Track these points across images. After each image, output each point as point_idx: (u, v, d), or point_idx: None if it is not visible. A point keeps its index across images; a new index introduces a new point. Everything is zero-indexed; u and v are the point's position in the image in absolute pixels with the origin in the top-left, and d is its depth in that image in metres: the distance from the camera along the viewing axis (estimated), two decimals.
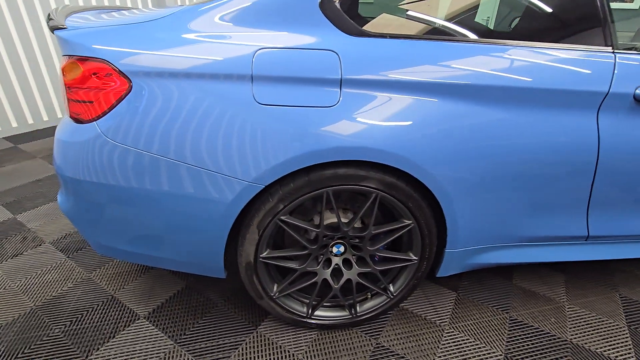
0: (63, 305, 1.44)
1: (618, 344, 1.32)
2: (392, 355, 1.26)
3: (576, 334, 1.36)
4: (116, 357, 1.23)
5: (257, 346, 1.28)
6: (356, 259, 1.26)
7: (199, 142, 0.99)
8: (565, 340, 1.33)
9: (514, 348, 1.30)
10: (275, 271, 1.26)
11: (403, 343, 1.31)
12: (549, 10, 1.09)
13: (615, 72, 1.06)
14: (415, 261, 1.24)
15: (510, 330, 1.37)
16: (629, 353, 1.28)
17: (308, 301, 1.30)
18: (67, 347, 1.27)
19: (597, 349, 1.30)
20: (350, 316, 1.31)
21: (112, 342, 1.29)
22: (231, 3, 1.02)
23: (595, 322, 1.41)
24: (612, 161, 1.14)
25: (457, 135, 1.04)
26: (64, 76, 1.03)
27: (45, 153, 2.83)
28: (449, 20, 1.08)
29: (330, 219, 1.17)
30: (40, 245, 1.79)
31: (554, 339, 1.34)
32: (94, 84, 0.99)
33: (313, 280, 1.23)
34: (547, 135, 1.08)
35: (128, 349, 1.26)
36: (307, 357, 1.25)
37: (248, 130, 0.97)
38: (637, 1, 3.29)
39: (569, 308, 1.48)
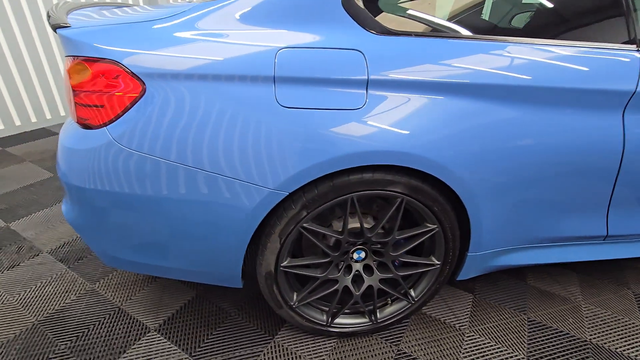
0: (67, 319, 1.37)
1: (636, 342, 1.32)
2: None
3: (595, 334, 1.35)
4: None
5: (276, 357, 1.24)
6: (377, 264, 1.22)
7: (219, 148, 0.93)
8: (586, 341, 1.33)
9: (535, 351, 1.28)
10: (294, 280, 1.22)
11: (425, 349, 1.28)
12: (573, 7, 1.07)
13: None
14: (438, 265, 1.21)
15: (530, 332, 1.36)
16: None
17: (327, 309, 1.26)
18: None
19: (617, 348, 1.30)
20: (371, 323, 1.28)
21: (124, 357, 1.22)
22: (245, 1, 0.96)
23: (611, 321, 1.41)
24: (637, 161, 1.13)
25: (485, 137, 1.01)
26: (70, 78, 0.96)
27: (35, 157, 2.71)
28: (474, 17, 1.05)
29: (351, 224, 1.13)
30: (37, 255, 1.70)
31: (574, 339, 1.33)
32: (104, 87, 0.93)
33: (334, 288, 1.19)
34: (574, 135, 1.06)
35: None
36: None
37: (271, 135, 0.92)
38: None
39: (585, 307, 1.48)
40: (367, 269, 1.23)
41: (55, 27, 0.99)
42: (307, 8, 0.96)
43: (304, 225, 1.04)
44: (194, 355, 1.24)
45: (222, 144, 0.93)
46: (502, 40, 1.00)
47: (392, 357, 1.25)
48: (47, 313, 1.39)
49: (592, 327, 1.39)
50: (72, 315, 1.38)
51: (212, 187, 0.96)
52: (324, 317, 1.26)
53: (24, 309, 1.41)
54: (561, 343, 1.32)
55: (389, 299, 1.31)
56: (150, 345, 1.27)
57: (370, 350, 1.27)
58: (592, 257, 1.37)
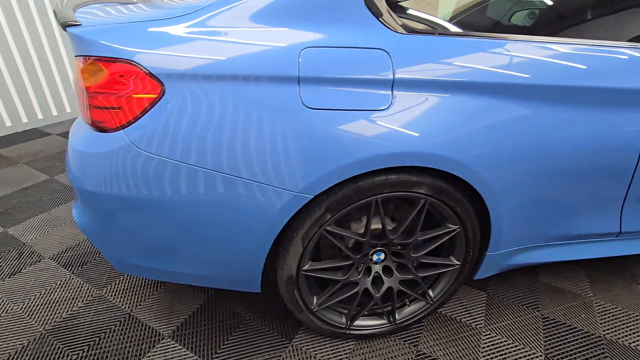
0: (76, 328, 1.32)
1: None
2: None
3: (608, 329, 1.37)
4: None
5: None
6: (396, 265, 1.21)
7: (242, 151, 0.90)
8: (600, 337, 1.34)
9: (552, 348, 1.29)
10: (313, 283, 1.20)
11: (444, 349, 1.28)
12: (600, 6, 1.06)
13: None
14: (458, 266, 1.20)
15: (545, 329, 1.37)
16: None
17: (347, 312, 1.24)
18: None
19: (630, 343, 1.32)
20: (389, 324, 1.27)
21: None
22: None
23: (623, 316, 1.43)
24: None
25: (509, 136, 1.00)
26: (84, 80, 0.91)
27: (29, 158, 2.63)
28: (498, 16, 1.04)
29: (372, 226, 1.12)
30: (39, 261, 1.65)
31: (589, 335, 1.35)
32: (122, 89, 0.89)
33: (354, 290, 1.18)
34: (598, 135, 1.06)
35: None
36: None
37: (297, 137, 0.90)
38: None
39: (596, 303, 1.49)
40: (386, 270, 1.22)
41: (65, 26, 0.95)
42: (328, 6, 0.93)
43: (327, 228, 1.03)
44: None
45: (246, 146, 0.90)
46: (529, 39, 0.99)
47: (412, 358, 1.25)
48: (55, 321, 1.35)
49: (605, 322, 1.41)
50: (81, 324, 1.34)
51: (235, 191, 0.93)
52: (343, 320, 1.24)
53: (30, 318, 1.36)
54: (576, 339, 1.33)
55: (406, 300, 1.30)
56: (166, 352, 1.24)
57: (389, 352, 1.26)
58: (605, 254, 1.39)
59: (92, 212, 1.03)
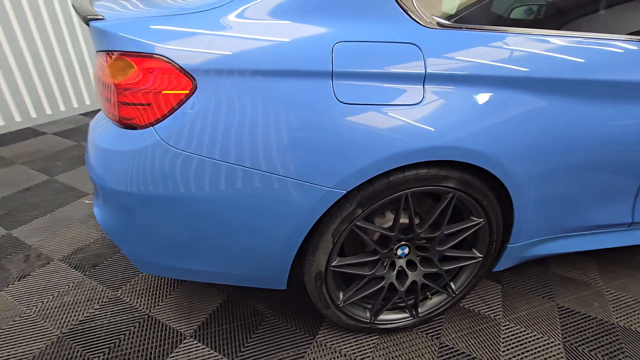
0: (94, 330, 1.30)
1: None
2: (460, 354, 1.24)
3: (621, 317, 1.41)
4: None
5: (321, 356, 1.22)
6: (420, 259, 1.22)
7: (276, 147, 0.89)
8: (613, 324, 1.38)
9: (569, 336, 1.32)
10: (339, 279, 1.20)
11: (466, 341, 1.29)
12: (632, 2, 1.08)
13: None
14: (480, 258, 1.22)
15: (561, 318, 1.40)
16: None
17: (371, 306, 1.25)
18: None
19: None
20: (412, 317, 1.28)
21: None
22: None
23: (634, 304, 1.47)
24: None
25: (535, 130, 1.02)
26: (112, 76, 0.89)
27: (26, 158, 2.55)
28: (525, 10, 1.05)
29: (391, 221, 1.12)
30: (48, 263, 1.61)
31: (603, 323, 1.38)
32: (152, 85, 0.87)
33: (380, 285, 1.18)
34: (620, 128, 1.08)
35: None
36: None
37: (330, 133, 0.89)
38: None
39: (606, 291, 1.53)
40: (410, 264, 1.23)
41: (88, 20, 0.92)
42: (357, 1, 0.92)
43: (357, 223, 1.02)
44: None
45: (279, 142, 0.89)
46: (559, 33, 1.00)
47: (435, 350, 1.26)
48: (71, 324, 1.32)
49: (617, 310, 1.44)
50: (99, 326, 1.31)
51: (269, 187, 0.92)
52: (367, 315, 1.25)
53: (45, 322, 1.33)
54: (591, 327, 1.37)
55: (428, 293, 1.31)
56: (189, 352, 1.22)
57: (413, 345, 1.27)
58: (617, 243, 1.42)
59: (116, 211, 1.01)
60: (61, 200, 2.07)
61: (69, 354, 1.21)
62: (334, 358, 1.22)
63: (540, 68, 0.98)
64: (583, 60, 1.00)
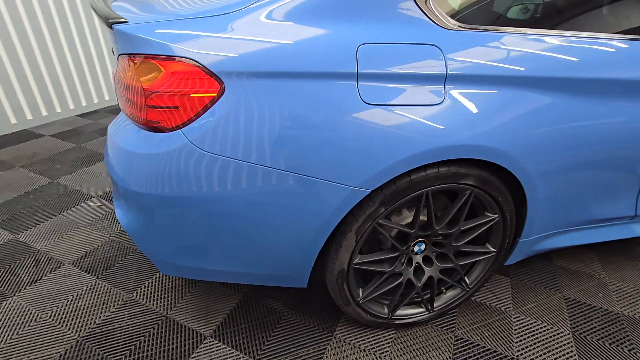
0: (113, 333, 1.30)
1: None
2: (475, 347, 1.28)
3: (625, 306, 1.47)
4: None
5: (341, 352, 1.25)
6: (436, 255, 1.25)
7: (302, 148, 0.91)
8: (618, 313, 1.43)
9: (578, 326, 1.37)
10: (359, 276, 1.22)
11: (480, 333, 1.33)
12: None
13: None
14: (494, 253, 1.26)
15: (568, 309, 1.45)
16: None
17: (389, 302, 1.28)
18: None
19: None
20: (427, 312, 1.31)
21: None
22: None
23: (636, 294, 1.53)
24: None
25: (549, 129, 1.05)
26: (140, 80, 0.89)
27: (25, 161, 2.51)
28: (542, 10, 1.08)
29: (409, 218, 1.15)
30: (59, 267, 1.59)
31: (608, 313, 1.44)
32: (180, 88, 0.87)
33: (398, 281, 1.21)
34: (629, 124, 1.12)
35: None
36: (394, 357, 1.23)
37: (357, 133, 0.91)
38: None
39: (609, 282, 1.59)
40: (426, 260, 1.26)
41: (111, 24, 0.92)
42: (378, 3, 0.94)
43: (379, 221, 1.05)
44: (259, 359, 1.22)
45: (307, 143, 0.91)
46: (577, 35, 1.03)
47: (451, 343, 1.29)
48: (89, 328, 1.32)
49: (620, 300, 1.50)
50: (117, 329, 1.31)
51: (296, 187, 0.93)
52: (385, 310, 1.27)
53: (62, 326, 1.32)
54: (598, 317, 1.42)
55: (442, 288, 1.35)
56: (211, 352, 1.24)
57: (429, 338, 1.31)
58: (621, 236, 1.47)
59: (140, 213, 1.01)
60: (65, 204, 2.05)
61: (90, 357, 1.21)
62: (353, 353, 1.25)
63: (554, 68, 1.01)
64: (597, 60, 1.04)
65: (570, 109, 1.06)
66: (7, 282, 1.51)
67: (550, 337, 1.33)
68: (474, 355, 1.25)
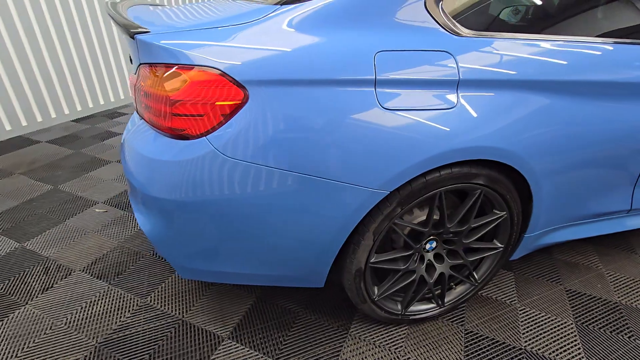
0: (130, 339, 1.31)
1: None
2: (485, 339, 1.33)
3: (622, 296, 1.54)
4: None
5: (357, 348, 1.28)
6: (446, 252, 1.30)
7: (324, 153, 0.94)
8: (617, 303, 1.51)
9: (580, 316, 1.44)
10: (374, 275, 1.26)
11: (488, 326, 1.38)
12: None
13: None
14: (501, 248, 1.31)
15: (570, 300, 1.51)
16: None
17: (402, 299, 1.32)
18: None
19: None
20: (438, 307, 1.36)
21: None
22: (328, 4, 0.96)
23: (632, 284, 1.61)
24: None
25: (554, 129, 1.11)
26: (166, 89, 0.91)
27: (24, 168, 2.48)
28: (547, 17, 1.13)
29: (420, 217, 1.19)
30: (70, 274, 1.59)
31: (607, 302, 1.51)
32: (205, 96, 0.89)
33: (412, 278, 1.25)
34: (625, 124, 1.19)
35: None
36: (408, 352, 1.28)
37: (376, 137, 0.95)
38: None
39: (607, 273, 1.66)
40: (437, 257, 1.30)
41: (132, 35, 0.94)
42: (392, 12, 0.98)
43: (395, 221, 1.09)
44: (278, 358, 1.25)
45: (329, 148, 0.94)
46: (583, 39, 1.09)
47: (461, 337, 1.34)
48: (106, 334, 1.32)
49: (618, 290, 1.57)
50: (135, 334, 1.33)
51: (319, 191, 0.97)
52: (399, 307, 1.31)
53: (79, 333, 1.33)
54: (597, 307, 1.48)
55: (452, 284, 1.39)
56: (230, 353, 1.26)
57: (440, 333, 1.35)
58: (617, 229, 1.55)
59: (162, 218, 1.03)
60: (69, 210, 2.04)
61: None
62: (369, 349, 1.28)
63: (560, 72, 1.06)
64: (600, 64, 1.10)
65: (573, 110, 1.12)
66: (17, 291, 1.50)
67: (555, 327, 1.39)
68: (485, 347, 1.30)
